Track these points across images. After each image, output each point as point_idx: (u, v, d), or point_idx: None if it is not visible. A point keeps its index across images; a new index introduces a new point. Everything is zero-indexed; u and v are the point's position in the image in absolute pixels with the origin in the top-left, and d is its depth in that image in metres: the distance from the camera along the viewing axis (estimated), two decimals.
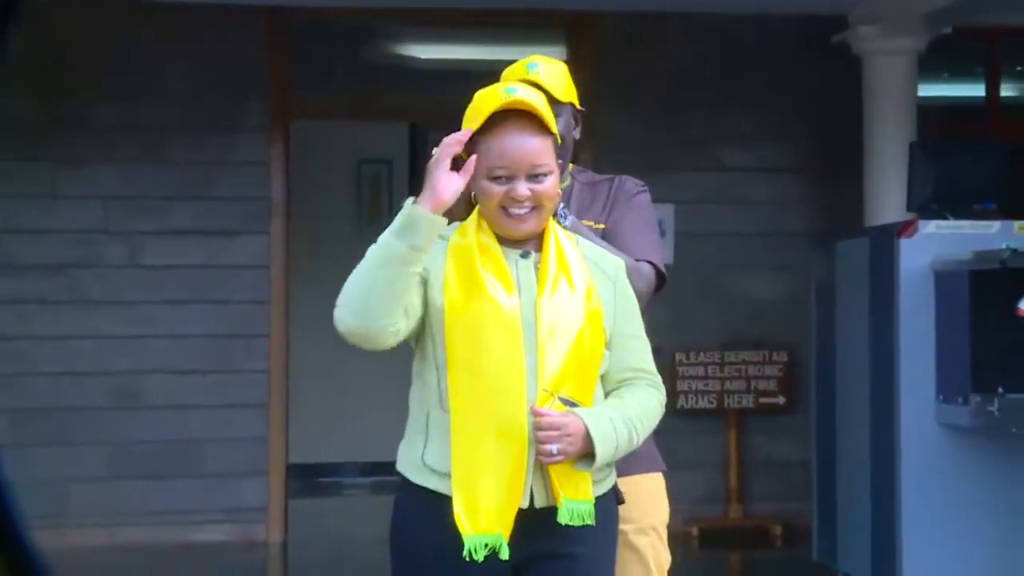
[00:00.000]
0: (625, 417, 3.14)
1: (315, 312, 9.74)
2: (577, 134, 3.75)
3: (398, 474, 3.18)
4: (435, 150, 3.06)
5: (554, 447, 3.01)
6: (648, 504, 3.69)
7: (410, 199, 3.03)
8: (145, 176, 8.18)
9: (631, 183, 3.78)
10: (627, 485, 3.41)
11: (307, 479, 10.30)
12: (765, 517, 8.45)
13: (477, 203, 3.21)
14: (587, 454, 3.06)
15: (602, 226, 3.65)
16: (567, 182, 3.70)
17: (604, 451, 3.07)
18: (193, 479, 8.18)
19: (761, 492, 8.46)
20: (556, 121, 3.43)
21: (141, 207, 8.16)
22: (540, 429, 3.01)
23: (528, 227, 3.14)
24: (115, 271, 8.14)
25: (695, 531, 8.29)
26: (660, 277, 3.64)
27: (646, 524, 3.68)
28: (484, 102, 3.15)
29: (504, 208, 3.12)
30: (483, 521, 3.00)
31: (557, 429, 3.01)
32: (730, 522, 8.47)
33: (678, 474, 8.18)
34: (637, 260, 3.55)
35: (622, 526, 3.40)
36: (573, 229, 3.37)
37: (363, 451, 10.46)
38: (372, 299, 3.02)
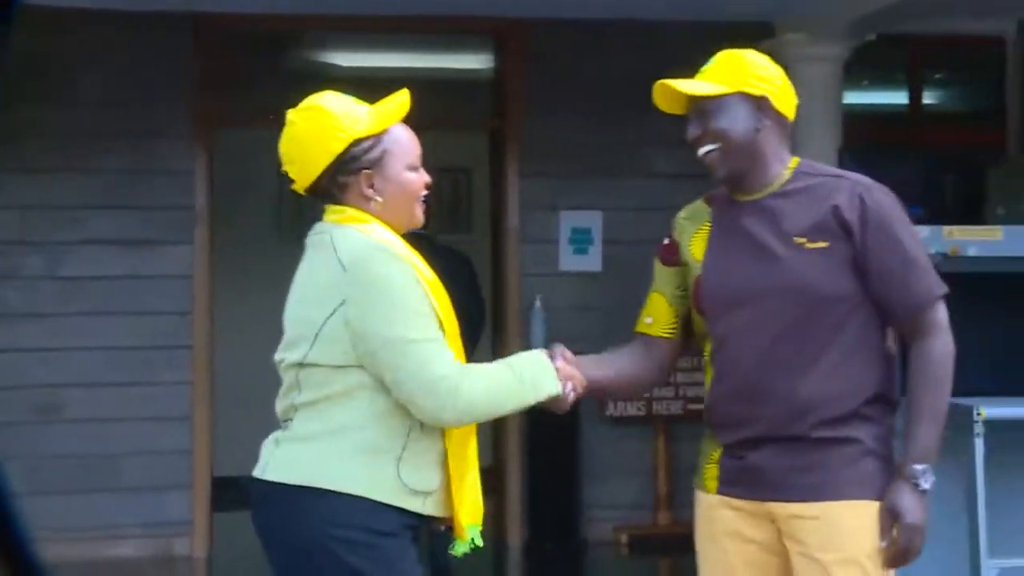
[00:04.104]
0: None
1: (240, 322, 9.71)
2: (761, 125, 3.40)
3: (338, 494, 3.11)
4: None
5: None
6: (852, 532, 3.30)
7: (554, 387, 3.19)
8: (66, 185, 8.06)
9: None
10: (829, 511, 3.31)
11: (233, 492, 10.17)
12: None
13: None
14: None
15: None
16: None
17: None
18: (115, 493, 8.05)
19: (690, 498, 8.43)
20: (717, 116, 3.37)
21: (63, 217, 8.04)
22: None
23: None
24: (33, 283, 8.01)
25: (624, 538, 8.28)
26: None
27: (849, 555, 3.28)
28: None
29: None
30: (475, 513, 3.14)
31: None
32: (659, 529, 8.42)
33: (608, 481, 8.08)
34: None
35: (820, 555, 3.27)
36: None
37: None
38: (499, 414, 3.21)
